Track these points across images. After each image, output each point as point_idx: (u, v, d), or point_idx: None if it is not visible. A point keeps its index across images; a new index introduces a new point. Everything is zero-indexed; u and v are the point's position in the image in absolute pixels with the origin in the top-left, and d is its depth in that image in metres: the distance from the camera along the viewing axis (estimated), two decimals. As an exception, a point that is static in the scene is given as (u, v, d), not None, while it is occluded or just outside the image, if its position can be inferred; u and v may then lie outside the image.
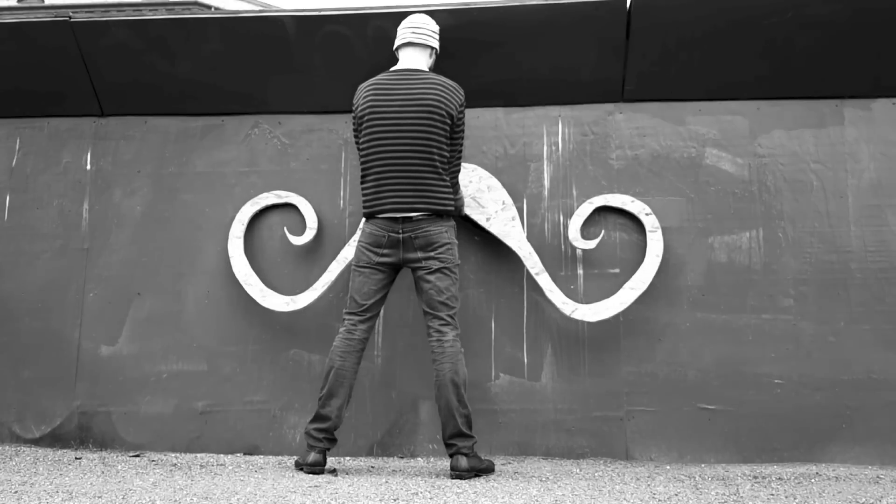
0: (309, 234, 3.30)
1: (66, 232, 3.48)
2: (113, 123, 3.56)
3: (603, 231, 3.24)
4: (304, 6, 3.52)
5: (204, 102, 3.48)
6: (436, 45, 2.97)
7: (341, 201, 3.39)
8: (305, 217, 3.33)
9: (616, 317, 3.17)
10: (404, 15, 3.14)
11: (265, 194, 3.37)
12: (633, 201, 3.23)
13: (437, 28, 2.99)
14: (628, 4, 3.13)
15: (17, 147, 3.58)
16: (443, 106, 2.79)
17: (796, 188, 3.24)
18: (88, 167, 3.53)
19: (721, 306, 3.17)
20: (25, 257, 3.47)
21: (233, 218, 3.39)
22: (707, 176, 3.27)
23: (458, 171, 2.92)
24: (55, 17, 3.37)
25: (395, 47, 2.99)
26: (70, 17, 3.37)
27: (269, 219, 3.40)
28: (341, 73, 3.34)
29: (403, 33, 2.94)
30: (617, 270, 3.22)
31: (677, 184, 3.28)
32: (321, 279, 3.24)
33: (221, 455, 3.18)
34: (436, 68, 3.06)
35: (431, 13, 3.15)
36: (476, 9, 3.17)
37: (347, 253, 3.23)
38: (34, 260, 3.47)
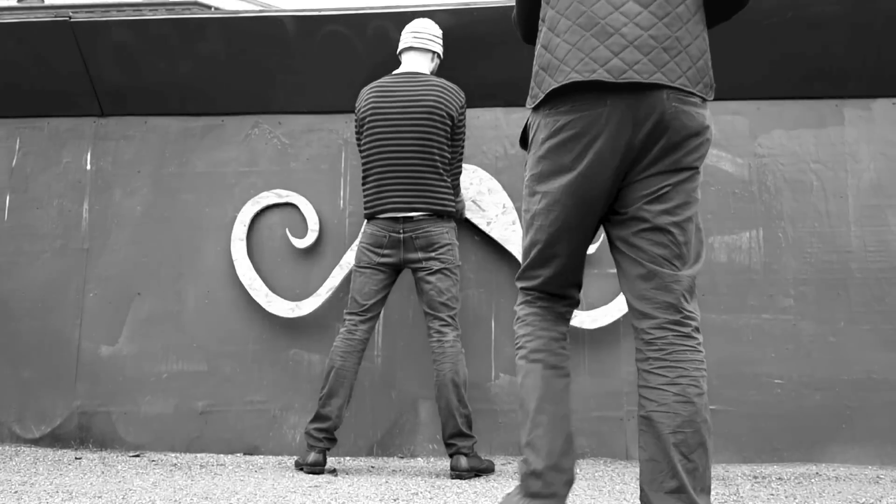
0: (311, 237, 3.31)
1: (66, 232, 3.48)
2: (113, 123, 3.56)
3: (602, 234, 3.24)
4: (304, 6, 3.52)
5: (204, 102, 3.48)
6: (437, 49, 2.97)
7: (341, 201, 3.39)
8: (307, 218, 3.33)
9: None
10: (404, 15, 3.14)
11: (266, 193, 3.37)
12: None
13: (439, 32, 3.00)
14: (628, 4, 3.13)
15: (17, 147, 3.58)
16: (443, 107, 2.80)
17: (796, 188, 3.24)
18: (88, 167, 3.53)
19: (721, 306, 3.17)
20: (25, 257, 3.47)
21: (233, 218, 3.39)
22: (707, 176, 3.27)
23: (460, 172, 2.93)
24: (55, 17, 3.37)
25: (398, 51, 3.00)
26: (70, 17, 3.37)
27: (269, 218, 3.40)
28: (341, 73, 3.34)
29: (405, 38, 2.96)
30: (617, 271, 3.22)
31: (677, 184, 3.27)
32: (325, 284, 3.25)
33: (221, 455, 3.18)
34: (437, 68, 3.06)
35: (431, 13, 3.15)
36: (476, 9, 3.17)
37: (350, 258, 3.24)
38: (34, 260, 3.47)
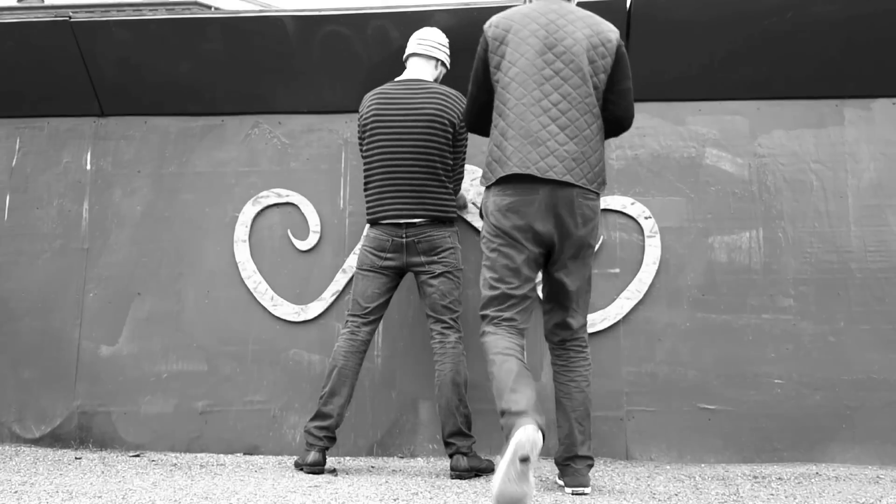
0: (313, 238, 3.32)
1: (66, 232, 3.48)
2: (113, 123, 3.56)
3: (602, 237, 3.25)
4: (304, 6, 3.53)
5: (204, 102, 3.48)
6: (442, 56, 2.98)
7: (341, 201, 3.39)
8: (308, 219, 3.34)
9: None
10: (404, 15, 3.15)
11: (266, 192, 3.38)
12: (633, 203, 3.24)
13: (445, 41, 3.01)
14: (628, 4, 3.13)
15: (17, 147, 3.58)
16: (444, 115, 2.82)
17: (796, 188, 3.24)
18: (88, 167, 3.53)
19: (721, 306, 3.17)
20: (25, 257, 3.47)
21: (233, 218, 3.39)
22: (707, 176, 3.28)
23: (462, 178, 2.96)
24: (55, 17, 3.38)
25: (403, 57, 3.04)
26: (70, 17, 3.37)
27: (270, 218, 3.40)
28: (341, 73, 3.34)
29: (410, 44, 3.00)
30: (617, 270, 3.22)
31: (677, 184, 3.28)
32: (329, 288, 3.27)
33: (221, 455, 3.18)
34: (442, 77, 3.08)
35: (431, 13, 3.15)
36: (476, 9, 3.17)
37: (353, 262, 3.25)
38: (34, 260, 3.47)
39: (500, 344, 2.23)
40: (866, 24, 3.10)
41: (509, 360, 2.18)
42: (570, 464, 2.40)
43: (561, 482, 2.47)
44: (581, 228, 2.31)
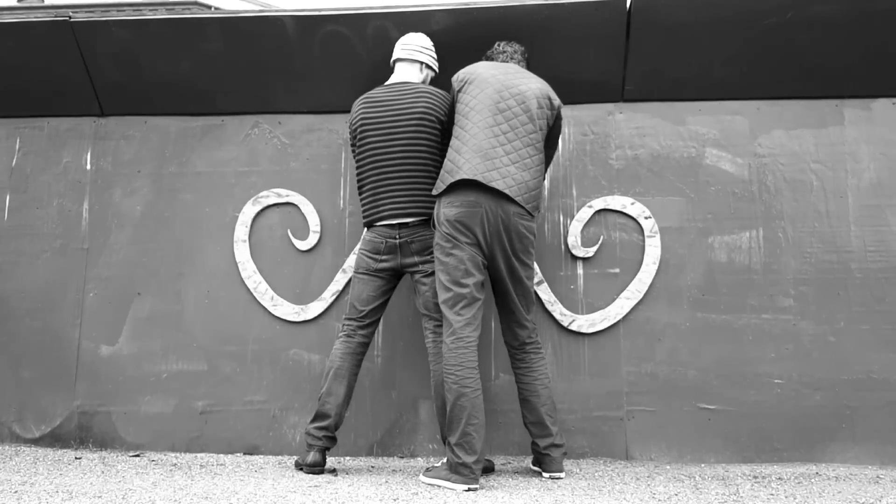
0: (313, 238, 3.32)
1: (66, 232, 3.48)
2: (113, 123, 3.56)
3: (602, 237, 3.25)
4: (304, 6, 3.53)
5: (204, 102, 3.48)
6: (426, 59, 3.01)
7: (341, 201, 3.39)
8: (308, 219, 3.35)
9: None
10: (404, 15, 3.15)
11: (266, 192, 3.38)
12: (633, 203, 3.24)
13: (429, 44, 3.04)
14: (628, 4, 3.13)
15: (17, 147, 3.58)
16: (432, 113, 2.85)
17: (796, 188, 3.24)
18: (88, 167, 3.53)
19: (721, 306, 3.17)
20: (25, 257, 3.47)
21: (233, 217, 3.39)
22: (707, 176, 3.28)
23: None
24: (55, 17, 3.37)
25: (390, 63, 3.07)
26: (70, 17, 3.37)
27: (270, 218, 3.40)
28: (341, 73, 3.34)
29: (395, 50, 3.04)
30: (617, 270, 3.23)
31: (677, 184, 3.28)
32: (329, 289, 3.27)
33: (221, 455, 3.18)
34: (430, 80, 3.09)
35: (431, 13, 3.16)
36: (476, 9, 3.17)
37: (353, 262, 3.25)
38: (34, 260, 3.47)
39: (459, 372, 2.55)
40: (866, 23, 3.09)
41: (465, 393, 2.53)
42: (549, 453, 2.71)
43: (537, 468, 2.82)
44: (515, 243, 2.66)
